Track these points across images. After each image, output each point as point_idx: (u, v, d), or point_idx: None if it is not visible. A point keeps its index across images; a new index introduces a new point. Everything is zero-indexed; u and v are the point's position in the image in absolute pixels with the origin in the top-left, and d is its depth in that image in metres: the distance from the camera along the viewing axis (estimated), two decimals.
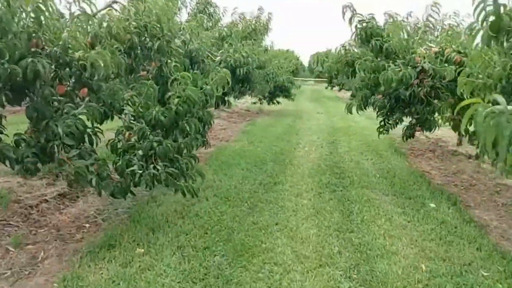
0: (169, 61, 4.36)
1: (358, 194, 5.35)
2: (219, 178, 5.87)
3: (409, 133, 5.89)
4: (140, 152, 2.85)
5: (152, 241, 3.71)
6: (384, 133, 6.44)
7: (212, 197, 5.04)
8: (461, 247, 3.83)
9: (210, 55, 6.50)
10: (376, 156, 7.89)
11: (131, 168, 2.82)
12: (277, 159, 7.36)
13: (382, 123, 6.10)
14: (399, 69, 4.54)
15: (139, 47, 4.80)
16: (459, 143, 9.10)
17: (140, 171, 2.80)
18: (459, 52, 4.81)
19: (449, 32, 5.53)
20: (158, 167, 2.85)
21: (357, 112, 6.10)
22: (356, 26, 4.88)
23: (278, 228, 4.14)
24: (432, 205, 5.02)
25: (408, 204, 5.04)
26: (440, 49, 4.88)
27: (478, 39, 3.68)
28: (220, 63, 6.45)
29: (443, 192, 5.55)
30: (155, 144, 2.84)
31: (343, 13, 4.98)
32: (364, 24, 4.80)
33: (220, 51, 6.49)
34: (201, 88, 3.46)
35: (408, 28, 5.29)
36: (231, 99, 9.85)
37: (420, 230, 4.20)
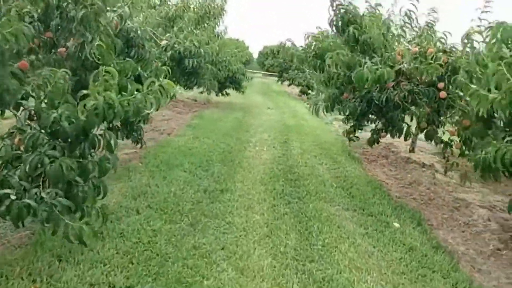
0: (94, 39, 3.34)
1: (316, 208, 4.72)
2: (155, 183, 4.95)
3: (374, 138, 5.36)
4: (27, 168, 1.92)
5: (55, 275, 2.77)
6: (354, 140, 5.87)
7: (145, 209, 4.13)
8: (435, 284, 3.31)
9: (154, 38, 5.48)
10: (330, 160, 7.36)
11: (3, 191, 1.86)
12: (226, 160, 6.55)
13: (353, 128, 5.51)
14: (377, 67, 3.93)
15: (58, 14, 3.75)
16: (412, 150, 8.90)
17: (14, 198, 1.85)
18: (445, 52, 4.30)
19: (427, 31, 5.03)
20: (43, 195, 1.91)
21: (324, 114, 5.45)
22: (334, 9, 4.18)
23: (224, 255, 3.36)
24: (397, 224, 4.51)
25: (370, 223, 4.50)
26: (421, 49, 4.35)
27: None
28: (165, 49, 5.46)
29: (404, 208, 5.10)
30: (46, 160, 1.90)
31: None
32: (342, 11, 4.12)
33: (167, 35, 5.50)
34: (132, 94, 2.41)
35: (390, 22, 4.70)
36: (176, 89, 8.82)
37: (388, 259, 3.64)
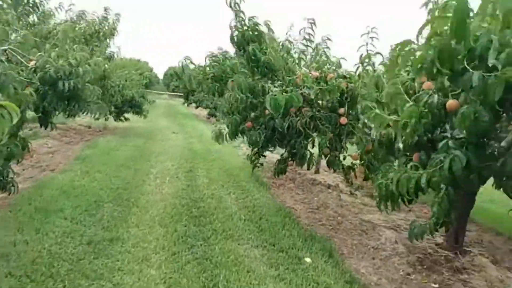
0: None
1: (223, 250, 4.22)
2: (24, 238, 4.01)
3: (281, 168, 5.08)
4: None
5: None
6: (258, 166, 5.51)
7: (4, 278, 3.22)
8: None
9: (19, 57, 4.57)
10: (238, 189, 6.97)
11: None
12: (119, 198, 5.74)
13: (256, 156, 5.15)
14: (285, 89, 3.64)
15: None
16: (317, 171, 8.96)
17: None
18: (344, 77, 4.19)
19: (323, 57, 4.96)
20: None
21: (226, 142, 5.01)
22: (236, 24, 3.81)
23: None
24: (308, 260, 4.22)
25: (282, 260, 4.14)
26: (322, 74, 4.20)
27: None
28: (35, 71, 4.58)
29: (314, 237, 4.86)
30: None
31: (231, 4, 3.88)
32: (245, 27, 3.76)
33: (38, 54, 4.62)
34: None
35: (288, 44, 4.50)
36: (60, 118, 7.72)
37: None
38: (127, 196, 5.91)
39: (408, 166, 2.62)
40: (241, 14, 3.80)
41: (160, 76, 46.65)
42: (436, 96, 2.51)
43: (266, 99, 3.73)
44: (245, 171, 8.41)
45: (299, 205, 6.51)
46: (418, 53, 2.49)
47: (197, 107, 23.82)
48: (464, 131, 2.04)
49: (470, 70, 1.99)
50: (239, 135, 5.30)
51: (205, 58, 4.50)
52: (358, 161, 4.74)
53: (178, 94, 33.79)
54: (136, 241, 4.27)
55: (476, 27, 2.02)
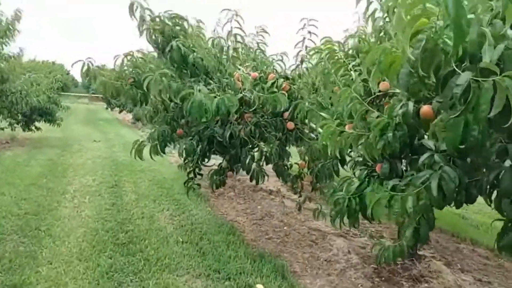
0: None
1: (158, 285, 3.53)
2: None
3: (219, 180, 4.49)
4: None
5: None
6: (194, 188, 4.84)
7: None
8: None
9: None
10: (173, 203, 6.24)
11: None
12: (27, 228, 4.74)
13: (192, 174, 4.47)
14: (214, 94, 3.04)
15: None
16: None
17: None
18: (287, 78, 3.71)
19: (259, 55, 4.45)
20: None
21: (151, 157, 4.27)
22: (152, 17, 3.08)
23: None
24: (260, 286, 3.69)
25: None
26: (262, 74, 3.68)
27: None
28: None
29: (263, 256, 4.35)
30: None
31: (132, 12, 3.15)
32: (160, 25, 3.06)
33: None
34: None
35: (223, 41, 3.88)
36: None
37: None
38: (37, 223, 4.91)
39: (389, 186, 2.19)
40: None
41: (80, 78, 43.60)
42: (410, 103, 2.10)
43: (185, 104, 3.09)
44: (179, 182, 7.66)
45: (242, 216, 5.98)
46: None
47: (120, 111, 22.21)
48: (449, 145, 1.60)
49: (460, 73, 1.54)
50: (170, 144, 4.59)
51: (122, 60, 3.71)
52: (306, 170, 4.31)
53: (101, 96, 31.49)
54: (48, 286, 3.41)
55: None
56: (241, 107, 3.55)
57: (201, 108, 3.05)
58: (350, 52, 3.19)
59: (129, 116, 21.24)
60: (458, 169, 1.94)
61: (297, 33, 4.22)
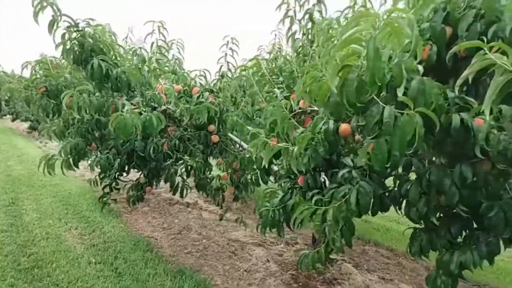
0: None
1: None
2: None
3: (137, 196, 4.31)
4: None
5: None
6: (108, 204, 4.54)
7: None
8: None
9: None
10: (81, 221, 5.80)
11: None
12: None
13: (108, 189, 4.20)
14: (139, 109, 2.93)
15: None
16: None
17: None
18: (212, 92, 3.73)
19: (177, 67, 4.41)
20: None
21: (63, 173, 3.94)
22: (65, 35, 2.83)
23: None
24: None
25: None
26: (186, 87, 3.64)
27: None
28: None
29: (183, 272, 4.28)
30: None
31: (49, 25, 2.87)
32: (78, 36, 2.84)
33: None
34: None
35: (144, 52, 3.76)
36: None
37: None
38: None
39: (313, 200, 2.34)
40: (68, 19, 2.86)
41: None
42: (331, 121, 2.29)
43: (110, 121, 2.94)
44: (87, 197, 7.17)
45: (159, 232, 5.79)
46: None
47: (13, 120, 19.96)
48: (377, 165, 1.80)
49: (380, 103, 1.74)
50: (84, 158, 4.31)
51: (33, 67, 3.38)
52: (228, 181, 4.37)
53: None
54: None
55: (387, 54, 1.78)
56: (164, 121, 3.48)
57: (128, 129, 2.91)
58: (275, 70, 3.35)
59: (24, 125, 19.19)
60: (373, 182, 2.16)
61: (220, 49, 4.32)
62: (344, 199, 2.14)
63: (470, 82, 1.88)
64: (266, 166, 2.92)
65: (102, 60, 2.95)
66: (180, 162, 3.84)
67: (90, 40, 2.88)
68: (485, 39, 1.59)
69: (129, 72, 3.07)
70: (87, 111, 3.01)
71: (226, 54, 4.36)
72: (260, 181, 3.50)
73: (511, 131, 1.54)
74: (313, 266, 2.85)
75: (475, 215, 2.09)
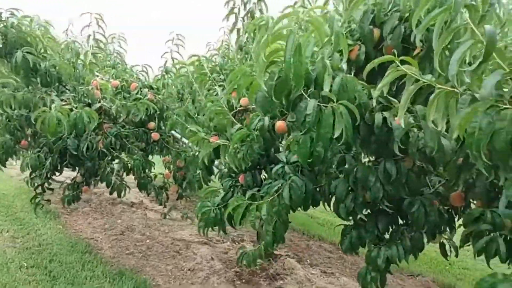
0: None
1: None
2: None
3: (73, 196, 4.10)
4: None
5: None
6: (41, 205, 4.27)
7: None
8: None
9: None
10: (14, 223, 5.45)
11: None
12: None
13: (40, 189, 3.94)
14: (70, 105, 2.78)
15: None
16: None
17: None
18: (151, 88, 3.62)
19: (120, 62, 4.26)
20: None
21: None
22: None
23: None
24: None
25: None
26: (124, 83, 3.51)
27: None
28: None
29: (123, 273, 4.15)
30: None
31: None
32: (1, 26, 2.62)
33: None
34: None
35: (78, 45, 3.56)
36: None
37: None
38: None
39: (247, 195, 2.34)
40: None
41: None
42: (267, 118, 2.31)
43: (34, 117, 2.77)
44: (23, 198, 6.74)
45: (100, 233, 5.57)
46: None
47: None
48: (301, 159, 1.83)
49: (308, 98, 1.77)
50: (13, 157, 4.04)
51: None
52: (171, 180, 4.28)
53: None
54: None
55: (310, 50, 1.81)
56: (99, 117, 3.33)
57: (56, 127, 2.74)
58: (217, 68, 3.32)
59: None
60: (305, 178, 2.20)
61: (165, 43, 4.23)
62: (277, 194, 2.16)
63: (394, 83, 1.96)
64: (206, 163, 2.88)
65: (29, 52, 2.77)
66: (116, 160, 3.70)
67: (13, 30, 2.68)
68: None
69: (60, 66, 2.90)
70: (12, 107, 2.81)
71: (171, 50, 4.28)
72: (202, 181, 3.45)
73: (428, 130, 1.62)
74: (253, 262, 2.85)
75: (400, 211, 2.19)
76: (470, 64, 1.38)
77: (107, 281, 3.92)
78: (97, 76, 3.66)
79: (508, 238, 1.77)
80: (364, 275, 2.24)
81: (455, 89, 1.36)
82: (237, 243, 5.53)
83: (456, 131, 1.25)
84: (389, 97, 1.94)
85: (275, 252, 5.08)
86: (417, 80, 1.44)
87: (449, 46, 1.48)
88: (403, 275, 5.11)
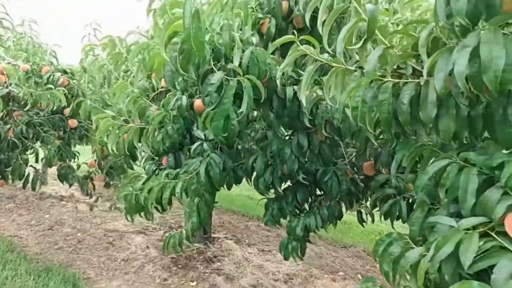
0: None
1: None
2: None
3: None
4: None
5: None
6: None
7: None
8: None
9: None
10: None
11: None
12: None
13: None
14: None
15: None
16: (43, 182, 7.53)
17: None
18: (65, 72, 3.37)
19: (33, 44, 3.92)
20: None
21: None
22: None
23: None
24: None
25: None
26: (34, 67, 3.23)
27: None
28: None
29: (50, 269, 3.92)
30: None
31: None
32: None
33: None
34: None
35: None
36: None
37: None
38: None
39: (163, 174, 2.28)
40: None
41: None
42: (184, 97, 2.25)
43: None
44: None
45: (25, 229, 5.21)
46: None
47: None
48: (215, 134, 1.81)
49: (216, 71, 1.75)
50: None
51: None
52: (95, 168, 4.09)
53: None
54: None
55: (217, 23, 1.79)
56: (8, 105, 3.07)
57: None
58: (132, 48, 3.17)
59: None
60: (224, 155, 2.18)
61: (85, 28, 3.98)
62: (195, 172, 2.12)
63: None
64: (112, 149, 2.75)
65: None
66: (31, 150, 3.44)
67: None
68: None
69: None
70: None
71: (89, 34, 4.03)
72: (125, 167, 3.32)
73: (334, 102, 1.66)
74: (180, 245, 2.82)
75: (317, 183, 2.25)
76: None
77: (31, 279, 3.68)
78: (4, 60, 3.35)
79: (410, 201, 1.89)
80: (285, 245, 2.30)
81: (349, 67, 1.40)
82: (174, 229, 5.45)
83: (341, 105, 1.30)
84: (300, 71, 1.97)
85: (213, 235, 5.08)
86: (316, 60, 1.46)
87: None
88: (337, 247, 5.37)
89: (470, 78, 1.06)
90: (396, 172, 1.62)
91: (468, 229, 1.07)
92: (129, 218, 2.93)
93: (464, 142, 1.27)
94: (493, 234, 1.04)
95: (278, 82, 1.69)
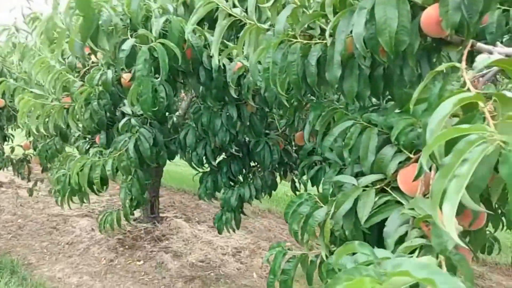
0: None
1: None
2: None
3: None
4: None
5: None
6: None
7: None
8: None
9: None
10: None
11: None
12: None
13: None
14: None
15: None
16: None
17: None
18: None
19: None
20: None
21: None
22: None
23: None
24: None
25: None
26: None
27: None
28: None
29: None
30: None
31: None
32: None
33: None
34: None
35: None
36: None
37: None
38: None
39: (91, 152, 2.21)
40: None
41: None
42: (110, 72, 2.16)
43: None
44: None
45: None
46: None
47: None
48: (144, 108, 1.77)
49: (130, 38, 1.70)
50: None
51: None
52: (31, 151, 3.89)
53: None
54: None
55: None
56: None
57: None
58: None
59: None
60: (154, 130, 2.14)
61: None
62: (125, 149, 2.07)
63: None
64: (39, 130, 2.60)
65: None
66: None
67: None
68: None
69: None
70: None
71: (22, 6, 3.74)
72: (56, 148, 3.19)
73: (254, 72, 1.66)
74: (118, 223, 2.77)
75: (249, 154, 2.28)
76: None
77: None
78: None
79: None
80: (219, 217, 2.32)
81: (262, 25, 1.40)
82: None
83: (253, 66, 1.30)
84: (226, 41, 1.95)
85: (163, 214, 5.04)
86: (229, 15, 1.44)
87: None
88: (277, 222, 5.49)
89: (367, 40, 1.09)
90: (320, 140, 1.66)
91: (367, 186, 1.12)
92: (60, 203, 2.79)
93: (373, 104, 1.32)
94: (388, 189, 1.11)
95: (189, 36, 1.66)
